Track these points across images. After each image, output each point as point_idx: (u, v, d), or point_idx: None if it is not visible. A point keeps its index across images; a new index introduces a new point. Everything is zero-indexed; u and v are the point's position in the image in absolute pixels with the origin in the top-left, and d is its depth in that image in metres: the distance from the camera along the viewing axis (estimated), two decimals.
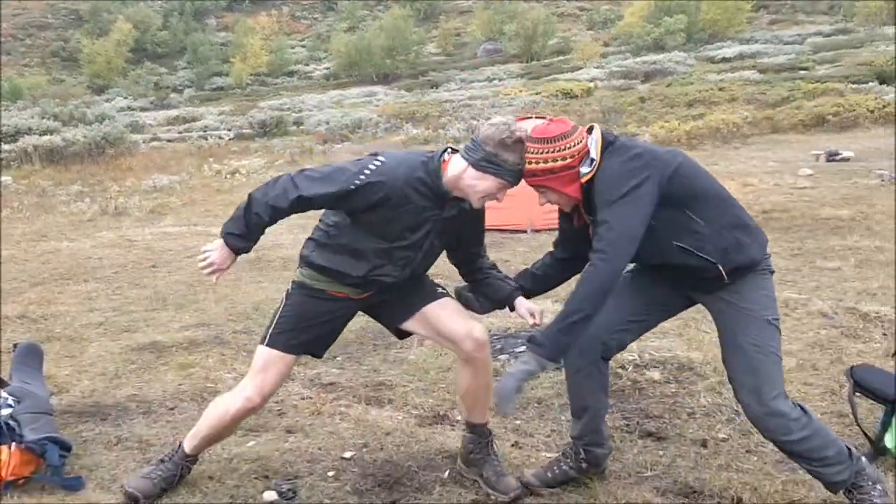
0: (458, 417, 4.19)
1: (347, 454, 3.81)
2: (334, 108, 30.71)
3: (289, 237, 9.49)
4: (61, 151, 17.28)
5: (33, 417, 3.65)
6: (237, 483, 3.52)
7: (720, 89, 24.13)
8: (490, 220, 9.81)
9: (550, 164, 2.91)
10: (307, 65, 62.18)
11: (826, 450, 3.05)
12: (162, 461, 3.46)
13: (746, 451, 3.78)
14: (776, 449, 3.70)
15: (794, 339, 5.12)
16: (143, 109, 40.43)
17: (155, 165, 16.68)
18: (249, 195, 3.06)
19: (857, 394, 3.81)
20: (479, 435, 3.49)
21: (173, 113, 34.61)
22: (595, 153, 2.92)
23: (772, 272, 3.12)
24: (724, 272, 2.97)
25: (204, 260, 3.13)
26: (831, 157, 13.73)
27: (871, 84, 24.25)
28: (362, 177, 2.98)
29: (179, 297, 6.73)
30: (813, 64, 31.93)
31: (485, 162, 2.97)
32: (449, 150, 3.14)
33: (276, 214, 3.02)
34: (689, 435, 3.93)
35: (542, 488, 3.39)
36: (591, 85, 31.08)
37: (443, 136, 19.60)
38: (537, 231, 9.03)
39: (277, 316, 3.27)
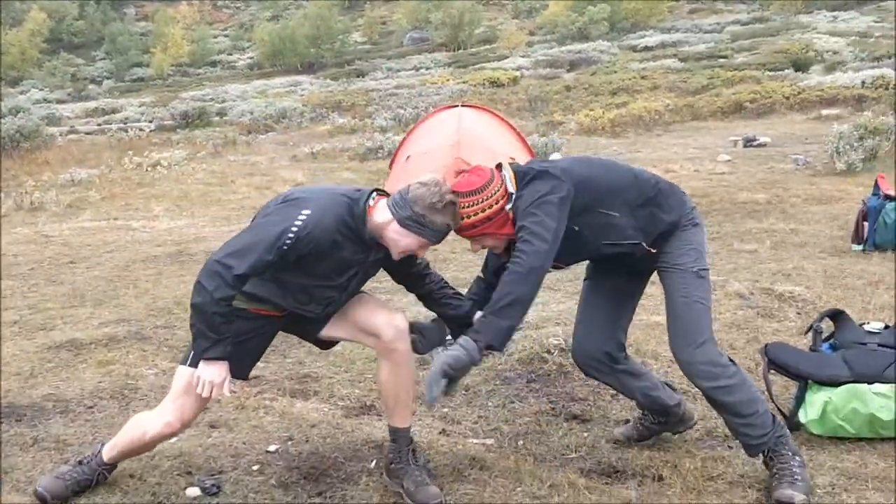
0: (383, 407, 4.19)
1: (272, 447, 3.78)
2: (258, 98, 30.26)
3: (211, 230, 9.36)
4: None
5: None
6: (159, 480, 3.46)
7: (643, 77, 24.52)
8: None
9: (487, 212, 3.05)
10: (230, 54, 61.24)
11: (751, 406, 3.21)
12: (80, 463, 3.37)
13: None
14: (697, 427, 3.81)
15: (712, 320, 5.24)
16: (59, 101, 39.25)
17: (73, 159, 16.22)
18: (192, 307, 2.93)
19: (772, 371, 3.93)
20: (399, 443, 3.36)
21: (92, 105, 33.69)
22: (512, 188, 3.09)
23: (695, 224, 3.32)
24: (647, 246, 3.24)
25: (201, 389, 3.02)
26: (748, 142, 14.07)
27: (786, 71, 24.94)
28: (290, 236, 2.90)
29: (98, 293, 6.57)
30: (731, 52, 32.67)
31: (410, 221, 2.98)
32: (375, 193, 3.10)
33: (230, 300, 2.94)
34: (612, 416, 4.00)
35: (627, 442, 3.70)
36: (518, 74, 31.25)
37: (369, 125, 19.48)
38: None
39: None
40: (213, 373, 3.00)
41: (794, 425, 3.75)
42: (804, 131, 15.24)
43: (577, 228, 3.11)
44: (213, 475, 3.50)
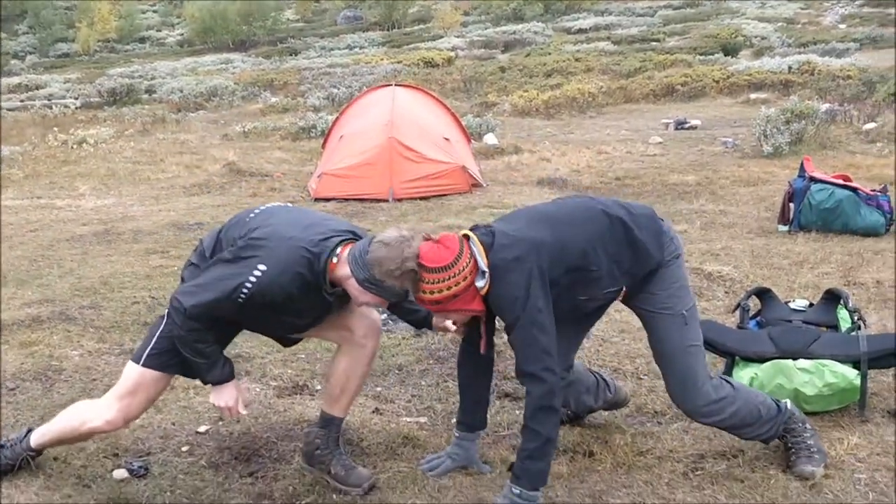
0: (318, 387, 4.16)
1: (202, 428, 3.72)
2: (188, 75, 29.56)
3: (140, 209, 9.15)
4: None
5: None
6: (84, 463, 3.38)
7: (577, 60, 24.65)
8: (349, 189, 9.71)
9: (454, 290, 2.85)
10: (159, 31, 59.74)
11: (755, 413, 3.25)
12: (1, 447, 3.26)
13: None
14: (628, 404, 3.86)
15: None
16: None
17: None
18: (179, 342, 2.95)
19: None
20: (329, 430, 3.30)
21: (14, 80, 32.51)
22: (483, 263, 2.89)
23: (677, 256, 3.18)
24: (626, 290, 3.13)
25: (228, 414, 3.11)
26: (679, 125, 14.28)
27: (716, 55, 25.35)
28: (245, 291, 2.85)
29: (21, 272, 6.36)
30: (663, 36, 33.11)
31: (368, 283, 2.85)
32: (341, 245, 2.94)
33: (206, 326, 2.92)
34: None
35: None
36: (453, 54, 31.15)
37: (302, 104, 19.22)
38: (399, 200, 9.02)
39: (156, 336, 3.06)
40: (225, 397, 3.03)
41: None
42: (733, 114, 15.53)
43: (556, 292, 2.96)
44: (140, 457, 3.43)
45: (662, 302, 3.14)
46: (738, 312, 4.38)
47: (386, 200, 9.03)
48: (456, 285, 2.84)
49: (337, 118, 11.04)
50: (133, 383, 3.06)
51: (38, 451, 3.28)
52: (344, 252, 2.92)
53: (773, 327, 4.10)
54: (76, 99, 23.59)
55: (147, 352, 3.05)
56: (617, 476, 3.28)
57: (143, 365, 3.04)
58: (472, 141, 11.46)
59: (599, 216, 3.05)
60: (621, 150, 12.13)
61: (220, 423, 3.74)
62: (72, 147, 13.63)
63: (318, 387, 4.13)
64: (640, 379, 4.21)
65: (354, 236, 3.01)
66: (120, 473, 3.30)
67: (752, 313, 4.37)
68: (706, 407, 3.19)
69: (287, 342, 3.50)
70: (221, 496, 3.18)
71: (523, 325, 2.87)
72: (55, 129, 15.11)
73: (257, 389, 4.13)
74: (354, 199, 9.01)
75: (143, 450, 3.50)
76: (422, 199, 9.06)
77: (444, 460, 3.32)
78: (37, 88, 28.96)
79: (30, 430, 3.29)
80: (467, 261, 2.86)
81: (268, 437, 3.62)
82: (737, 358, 3.88)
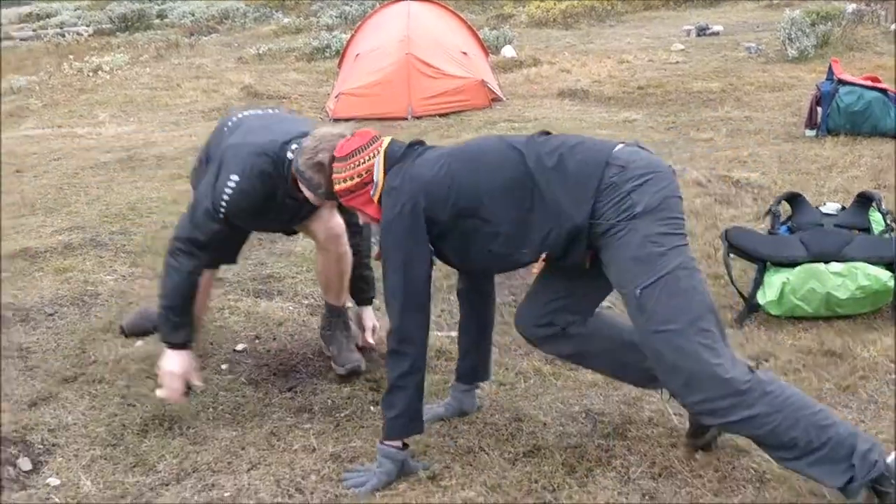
0: (350, 304, 4.19)
1: (240, 346, 3.78)
2: None
3: (161, 135, 9.13)
4: None
5: None
6: (127, 383, 3.45)
7: None
8: (368, 109, 9.60)
9: (348, 184, 2.74)
10: None
11: (798, 434, 2.36)
12: None
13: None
14: None
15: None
16: None
17: (10, 66, 15.59)
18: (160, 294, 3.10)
19: (731, 255, 3.99)
20: (331, 314, 3.60)
21: (25, 9, 32.18)
22: (378, 175, 2.71)
23: (632, 217, 2.45)
24: (541, 258, 2.63)
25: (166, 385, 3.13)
26: (701, 31, 13.96)
27: None
28: (222, 209, 2.99)
29: (49, 201, 6.40)
30: None
31: (298, 173, 2.89)
32: (294, 147, 3.00)
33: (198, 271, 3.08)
34: None
35: None
36: None
37: (315, 24, 18.91)
38: (418, 118, 8.94)
39: None
40: (170, 364, 3.10)
41: (753, 307, 3.84)
42: (756, 19, 15.16)
43: (454, 236, 2.67)
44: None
45: (614, 277, 2.57)
46: (768, 218, 4.35)
47: (405, 118, 8.95)
48: (350, 179, 2.73)
49: (351, 36, 10.87)
50: None
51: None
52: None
53: (804, 232, 4.08)
54: (88, 26, 23.34)
55: None
56: None
57: None
58: (490, 54, 11.28)
59: (511, 165, 2.61)
60: (643, 58, 11.90)
61: (257, 340, 3.80)
62: (87, 75, 13.54)
63: (350, 304, 4.16)
64: None
65: None
66: (162, 392, 3.36)
67: (782, 219, 4.35)
68: (708, 403, 2.42)
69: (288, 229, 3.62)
70: (263, 410, 3.25)
71: (383, 241, 2.69)
72: (70, 57, 15.01)
73: (290, 308, 4.18)
74: (373, 119, 8.92)
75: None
76: (441, 115, 8.98)
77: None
78: (48, 17, 28.66)
79: None
80: (364, 158, 2.73)
81: (304, 353, 3.68)
82: (768, 263, 3.87)
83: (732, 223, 4.79)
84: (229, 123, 3.29)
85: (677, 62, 11.44)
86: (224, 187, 2.97)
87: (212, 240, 3.04)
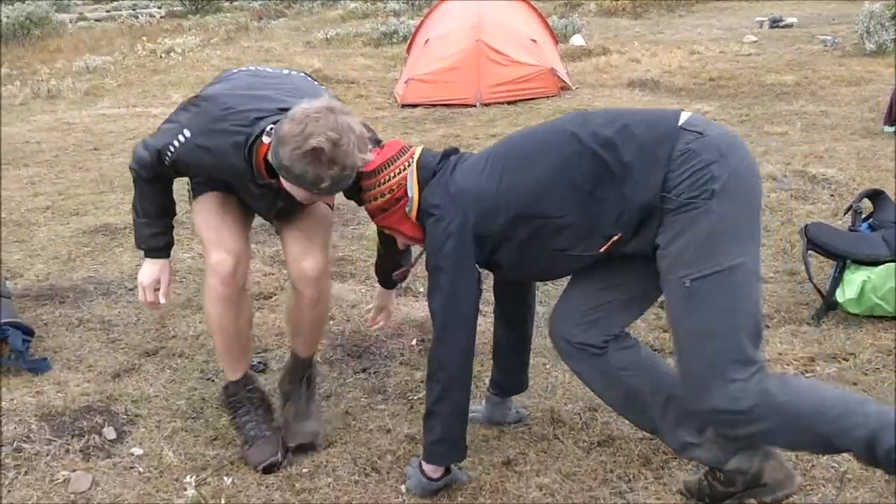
0: (422, 288, 4.23)
1: None
2: None
3: None
4: None
5: None
6: (206, 359, 3.54)
7: None
8: (436, 95, 9.62)
9: (379, 201, 2.49)
10: None
11: (810, 440, 2.20)
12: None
13: None
14: None
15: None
16: None
17: (85, 46, 15.97)
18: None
19: (810, 251, 3.92)
20: (294, 365, 3.00)
21: None
22: (412, 190, 2.46)
23: (709, 196, 2.15)
24: (609, 244, 2.31)
25: (141, 294, 2.86)
26: (775, 23, 13.70)
27: None
28: (169, 154, 2.60)
29: (126, 179, 6.45)
30: None
31: (284, 172, 2.36)
32: (270, 129, 2.44)
33: (155, 175, 2.71)
34: None
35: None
36: None
37: (382, 10, 19.04)
38: (486, 105, 8.94)
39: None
40: (145, 273, 2.85)
41: (832, 304, 3.77)
42: (832, 11, 14.84)
43: (516, 250, 2.42)
44: (259, 353, 3.57)
45: (668, 261, 2.24)
46: (848, 215, 4.26)
47: (473, 105, 8.95)
48: (381, 196, 2.48)
49: (422, 21, 10.90)
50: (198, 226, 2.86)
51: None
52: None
53: (886, 230, 3.98)
54: (160, 8, 23.80)
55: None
56: None
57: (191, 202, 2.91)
58: (559, 42, 11.21)
59: (562, 145, 2.32)
60: (714, 49, 11.73)
61: (332, 321, 3.85)
62: (160, 56, 13.83)
63: (422, 288, 4.20)
64: None
65: None
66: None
67: (864, 216, 4.25)
68: (720, 415, 2.22)
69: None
70: (338, 390, 3.30)
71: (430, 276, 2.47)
72: (143, 38, 15.33)
73: (363, 291, 4.23)
74: (442, 105, 8.95)
75: (261, 347, 3.64)
76: (509, 103, 8.96)
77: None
78: None
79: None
80: (395, 172, 2.47)
81: (377, 335, 3.72)
82: (848, 261, 3.80)
83: (809, 219, 4.71)
84: (230, 72, 2.85)
85: (749, 54, 11.24)
86: (174, 138, 2.57)
87: (155, 170, 2.69)
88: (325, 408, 3.16)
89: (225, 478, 2.71)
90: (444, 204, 2.38)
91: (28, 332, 3.55)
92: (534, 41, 9.71)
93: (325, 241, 2.85)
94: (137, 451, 2.91)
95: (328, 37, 15.27)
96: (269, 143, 2.40)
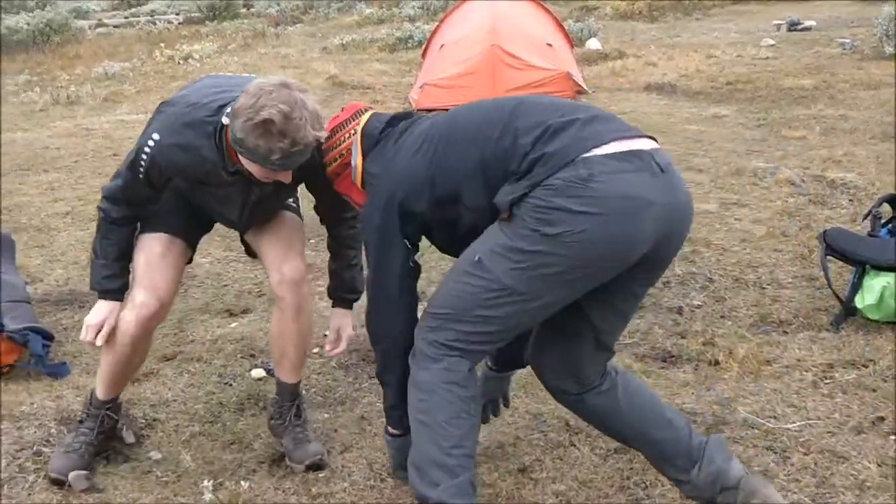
0: (432, 288, 4.22)
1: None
2: None
3: None
4: (5, 40, 16.57)
5: (12, 306, 3.62)
6: (224, 363, 3.56)
7: None
8: (452, 99, 9.58)
9: (333, 166, 2.51)
10: None
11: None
12: (80, 422, 2.92)
13: (721, 317, 3.88)
14: (750, 313, 3.82)
15: (764, 208, 5.21)
16: None
17: (104, 52, 16.08)
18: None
19: (829, 257, 3.90)
20: (282, 397, 2.94)
21: None
22: (355, 157, 2.44)
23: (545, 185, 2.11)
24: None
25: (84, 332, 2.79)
26: (793, 26, 13.63)
27: None
28: (142, 165, 2.58)
29: None
30: None
31: (238, 146, 2.38)
32: (229, 111, 2.46)
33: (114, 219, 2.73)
34: (664, 303, 4.01)
35: None
36: None
37: (397, 15, 19.06)
38: None
39: None
40: (93, 313, 2.78)
41: (851, 310, 3.75)
42: (851, 14, 14.72)
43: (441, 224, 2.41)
44: (269, 360, 3.57)
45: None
46: (868, 220, 4.23)
47: None
48: (334, 161, 2.50)
49: (437, 27, 10.90)
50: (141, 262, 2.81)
51: (113, 401, 2.95)
52: None
53: None
54: (178, 15, 23.93)
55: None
56: (744, 384, 3.26)
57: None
58: (575, 46, 11.20)
59: (492, 146, 2.23)
60: (731, 53, 11.67)
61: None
62: (178, 62, 13.90)
63: (432, 288, 4.19)
64: (763, 289, 4.14)
65: None
66: (257, 372, 3.46)
67: (883, 221, 4.23)
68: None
69: (249, 250, 3.14)
70: (353, 395, 3.31)
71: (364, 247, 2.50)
72: (161, 44, 15.42)
73: None
74: None
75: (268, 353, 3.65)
76: None
77: None
78: (139, 4, 29.45)
79: (93, 391, 2.96)
80: (344, 137, 2.49)
81: None
82: (867, 267, 3.77)
83: (827, 224, 4.68)
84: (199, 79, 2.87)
85: (767, 58, 11.19)
86: (144, 146, 2.57)
87: (127, 194, 2.69)
88: (341, 412, 3.17)
89: (242, 482, 2.73)
90: (380, 174, 2.38)
91: (48, 336, 3.59)
92: (549, 45, 9.70)
93: (301, 248, 2.90)
94: (155, 455, 2.93)
95: (344, 42, 15.30)
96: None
